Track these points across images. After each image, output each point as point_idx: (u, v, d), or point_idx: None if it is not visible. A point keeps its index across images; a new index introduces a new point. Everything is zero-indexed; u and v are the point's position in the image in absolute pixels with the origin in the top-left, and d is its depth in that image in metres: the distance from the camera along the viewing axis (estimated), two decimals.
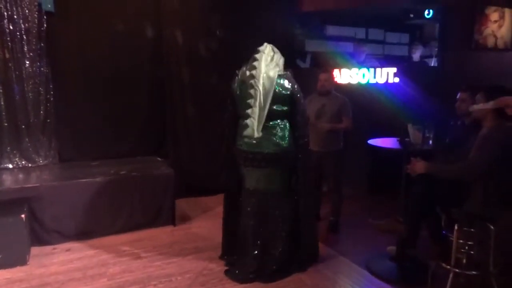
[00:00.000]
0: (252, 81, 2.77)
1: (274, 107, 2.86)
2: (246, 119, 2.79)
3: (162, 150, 4.81)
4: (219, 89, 4.84)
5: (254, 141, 2.86)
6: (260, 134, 2.81)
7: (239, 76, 2.93)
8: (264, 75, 2.79)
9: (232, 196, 3.16)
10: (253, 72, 2.79)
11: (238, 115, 2.97)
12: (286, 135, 2.93)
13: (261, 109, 2.77)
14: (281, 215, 3.01)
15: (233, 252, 3.14)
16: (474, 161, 2.53)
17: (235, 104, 2.99)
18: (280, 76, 2.89)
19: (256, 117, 2.76)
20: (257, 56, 2.84)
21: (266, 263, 2.98)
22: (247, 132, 2.79)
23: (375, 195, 4.83)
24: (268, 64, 2.83)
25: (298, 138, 2.98)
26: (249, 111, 2.78)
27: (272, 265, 2.98)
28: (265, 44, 2.92)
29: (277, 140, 2.90)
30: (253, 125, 2.76)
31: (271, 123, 2.88)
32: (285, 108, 2.92)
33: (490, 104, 2.52)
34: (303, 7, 5.14)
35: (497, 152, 2.46)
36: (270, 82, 2.80)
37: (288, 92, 2.91)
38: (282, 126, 2.93)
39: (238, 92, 2.93)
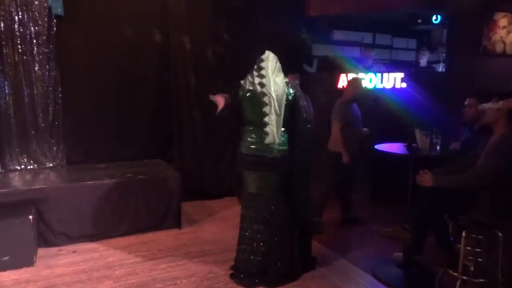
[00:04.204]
0: (264, 89, 2.80)
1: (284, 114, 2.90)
2: (265, 127, 2.80)
3: (168, 154, 4.83)
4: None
5: (255, 146, 2.90)
6: (281, 140, 2.85)
7: (247, 85, 2.93)
8: (274, 83, 2.83)
9: None
10: (263, 80, 2.82)
11: (244, 122, 2.99)
12: (287, 141, 2.96)
13: (278, 115, 2.81)
14: (283, 219, 2.99)
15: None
16: (482, 170, 2.51)
17: (241, 112, 2.99)
18: (286, 84, 2.94)
19: (275, 124, 2.79)
20: (262, 64, 2.87)
21: (270, 267, 2.97)
22: (268, 140, 2.81)
23: (381, 201, 4.80)
24: (274, 71, 2.88)
25: (296, 146, 2.97)
26: (266, 119, 2.80)
27: (276, 269, 2.97)
28: (267, 52, 2.94)
29: (280, 146, 2.91)
30: (273, 132, 2.79)
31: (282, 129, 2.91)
32: (287, 114, 2.94)
33: (499, 104, 2.50)
34: (310, 11, 5.15)
35: (505, 161, 2.44)
36: (282, 89, 2.85)
37: (292, 100, 2.95)
38: (284, 132, 2.95)
39: (246, 101, 2.93)
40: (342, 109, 3.92)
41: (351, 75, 4.82)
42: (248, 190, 3.03)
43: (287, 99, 2.90)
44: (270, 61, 2.88)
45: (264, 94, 2.79)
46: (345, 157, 3.82)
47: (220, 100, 3.06)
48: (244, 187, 3.05)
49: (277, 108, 2.80)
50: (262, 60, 2.88)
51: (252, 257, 2.98)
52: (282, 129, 2.91)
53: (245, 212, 3.05)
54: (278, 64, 2.94)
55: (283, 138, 2.93)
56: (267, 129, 2.80)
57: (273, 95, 2.79)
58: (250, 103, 2.91)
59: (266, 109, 2.79)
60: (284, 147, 2.93)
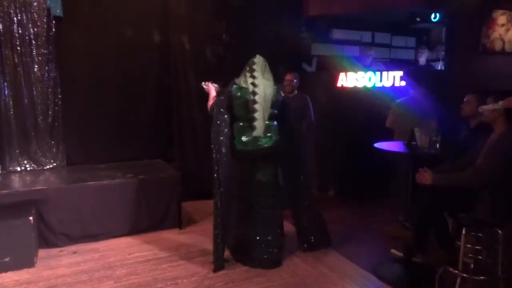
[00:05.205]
0: (255, 89, 3.15)
1: (270, 110, 3.25)
2: (254, 121, 3.15)
3: (168, 154, 4.83)
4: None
5: (249, 141, 3.19)
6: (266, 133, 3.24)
7: (241, 84, 3.21)
8: (264, 83, 3.18)
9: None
10: (255, 81, 3.17)
11: (236, 119, 3.25)
12: (277, 133, 3.31)
13: (265, 111, 3.18)
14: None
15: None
16: (482, 168, 2.51)
17: (232, 109, 3.24)
18: (277, 87, 3.33)
19: (262, 119, 3.15)
20: (254, 67, 3.22)
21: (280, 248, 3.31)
22: (257, 132, 3.17)
23: (381, 199, 4.80)
24: (263, 73, 3.23)
25: (287, 136, 3.36)
26: (256, 114, 3.15)
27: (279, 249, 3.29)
28: (257, 56, 3.28)
29: (273, 137, 3.26)
30: (260, 125, 3.16)
31: (267, 122, 3.24)
32: (276, 111, 3.30)
33: (499, 104, 2.51)
34: (310, 11, 5.15)
35: (505, 160, 2.44)
36: (270, 89, 3.21)
37: (279, 98, 3.33)
38: (274, 125, 3.30)
39: (239, 99, 3.19)
40: None
41: (350, 74, 4.83)
42: (255, 179, 3.24)
43: (275, 98, 3.25)
44: (261, 64, 3.24)
45: (255, 93, 3.14)
46: None
47: (211, 89, 3.40)
48: (244, 181, 3.27)
49: (263, 105, 3.15)
50: (254, 63, 3.23)
51: (263, 245, 3.20)
52: (271, 122, 3.25)
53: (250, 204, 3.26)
54: (267, 67, 3.28)
55: (274, 130, 3.26)
56: (256, 123, 3.15)
57: (262, 94, 3.15)
58: (243, 101, 3.18)
59: (256, 105, 3.13)
60: (275, 138, 3.26)
